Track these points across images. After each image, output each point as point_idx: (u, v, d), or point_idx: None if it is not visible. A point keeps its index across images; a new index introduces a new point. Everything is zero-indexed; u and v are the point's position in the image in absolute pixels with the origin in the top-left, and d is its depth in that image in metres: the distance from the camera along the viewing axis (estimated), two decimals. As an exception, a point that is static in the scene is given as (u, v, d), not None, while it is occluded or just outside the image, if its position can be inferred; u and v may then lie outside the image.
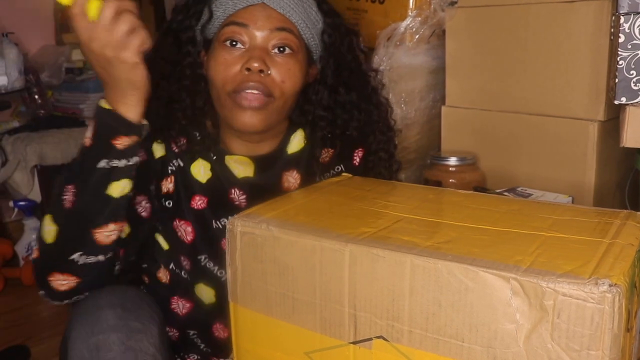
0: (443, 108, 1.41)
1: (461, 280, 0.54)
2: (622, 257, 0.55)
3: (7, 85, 2.22)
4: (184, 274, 0.93)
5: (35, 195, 2.23)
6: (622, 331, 0.51)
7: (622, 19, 0.97)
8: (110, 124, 0.76)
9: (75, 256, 0.77)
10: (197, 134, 0.91)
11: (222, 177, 0.91)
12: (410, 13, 1.41)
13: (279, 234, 0.66)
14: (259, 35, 0.86)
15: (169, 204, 0.90)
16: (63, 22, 2.50)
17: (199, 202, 0.91)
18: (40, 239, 0.80)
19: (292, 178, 0.94)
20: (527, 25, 1.24)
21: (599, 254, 0.55)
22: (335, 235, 0.62)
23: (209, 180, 0.91)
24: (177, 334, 0.97)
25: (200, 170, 0.91)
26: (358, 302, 0.61)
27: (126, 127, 0.76)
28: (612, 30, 1.06)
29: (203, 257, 0.91)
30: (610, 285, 0.49)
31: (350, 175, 0.91)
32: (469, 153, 1.33)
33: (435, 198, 0.80)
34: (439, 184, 1.30)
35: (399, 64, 1.41)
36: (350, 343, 0.62)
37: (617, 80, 0.99)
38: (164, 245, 0.92)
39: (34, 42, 2.48)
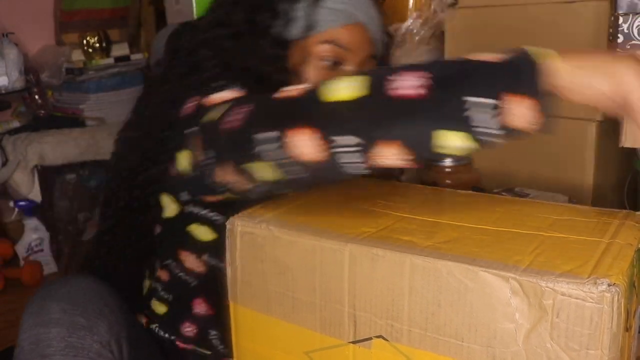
0: (443, 108, 1.41)
1: (460, 280, 0.54)
2: (620, 257, 0.55)
3: (7, 86, 2.23)
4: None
5: (36, 195, 2.23)
6: (621, 330, 0.51)
7: (620, 19, 0.97)
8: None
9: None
10: None
11: None
12: (410, 14, 1.41)
13: (279, 233, 0.66)
14: (356, 61, 0.86)
15: None
16: (63, 21, 2.51)
17: None
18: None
19: None
20: (526, 26, 1.24)
21: (598, 253, 0.56)
22: (335, 235, 0.63)
23: None
24: (195, 330, 0.93)
25: None
26: (358, 302, 0.61)
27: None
28: (611, 30, 1.06)
29: None
30: (609, 285, 0.49)
31: None
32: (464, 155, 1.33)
33: (436, 198, 0.80)
34: (434, 185, 1.30)
35: (399, 65, 1.41)
36: (349, 342, 0.62)
37: (616, 80, 0.99)
38: (208, 235, 0.87)
39: (34, 42, 2.48)
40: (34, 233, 2.28)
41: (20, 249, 2.28)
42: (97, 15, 2.55)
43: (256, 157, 0.61)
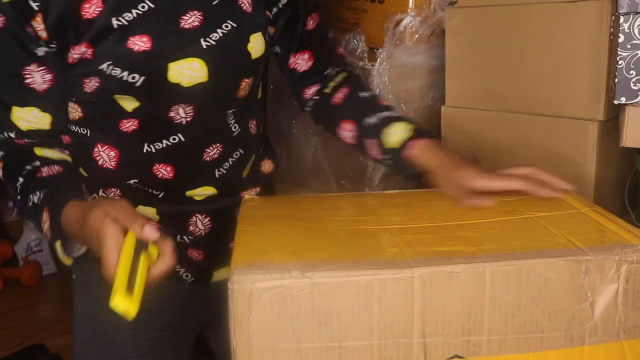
0: (443, 108, 1.41)
1: (540, 274, 0.58)
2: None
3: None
4: None
5: (34, 195, 2.23)
6: None
7: (621, 19, 0.97)
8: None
9: None
10: None
11: None
12: (409, 12, 1.41)
13: (321, 278, 0.57)
14: None
15: None
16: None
17: None
18: None
19: None
20: (527, 25, 1.23)
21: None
22: (392, 263, 0.58)
23: None
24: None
25: None
26: (427, 329, 0.58)
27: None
28: (612, 30, 1.06)
29: None
30: None
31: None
32: (468, 153, 1.33)
33: (403, 203, 0.81)
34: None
35: (399, 63, 1.40)
36: None
37: (616, 80, 1.00)
38: None
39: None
40: (33, 233, 2.28)
41: (20, 249, 2.28)
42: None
43: None
